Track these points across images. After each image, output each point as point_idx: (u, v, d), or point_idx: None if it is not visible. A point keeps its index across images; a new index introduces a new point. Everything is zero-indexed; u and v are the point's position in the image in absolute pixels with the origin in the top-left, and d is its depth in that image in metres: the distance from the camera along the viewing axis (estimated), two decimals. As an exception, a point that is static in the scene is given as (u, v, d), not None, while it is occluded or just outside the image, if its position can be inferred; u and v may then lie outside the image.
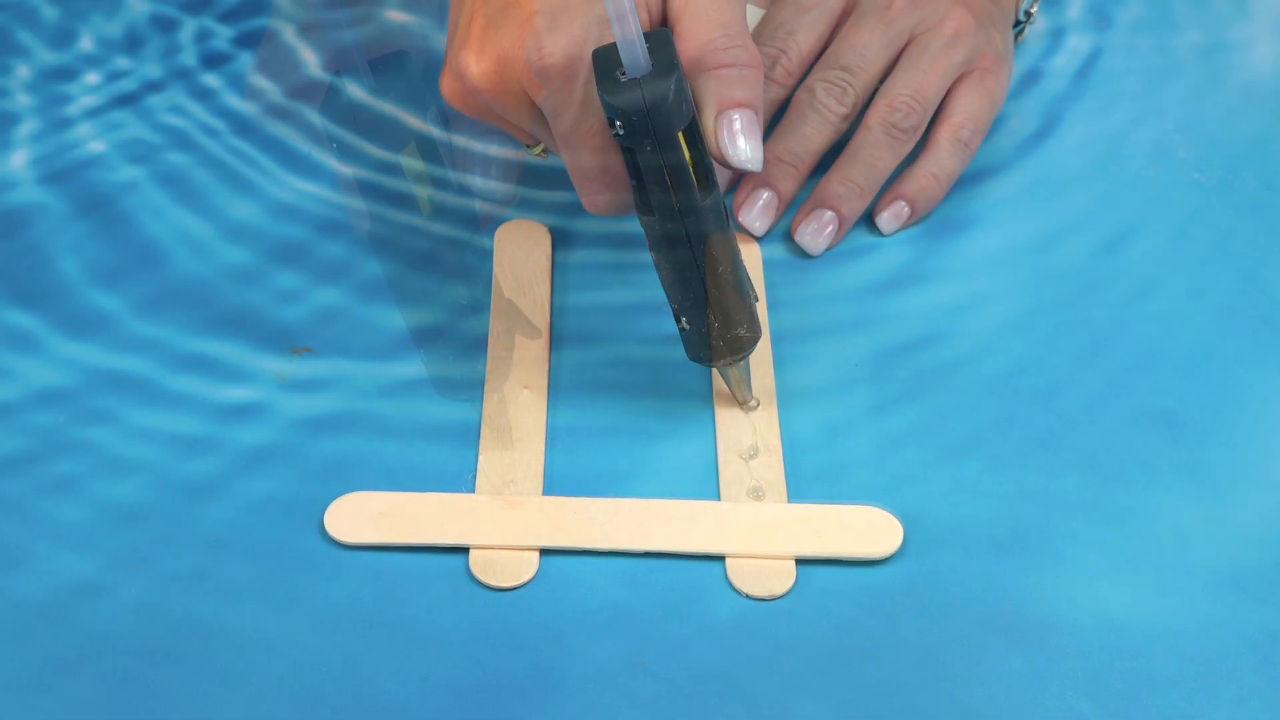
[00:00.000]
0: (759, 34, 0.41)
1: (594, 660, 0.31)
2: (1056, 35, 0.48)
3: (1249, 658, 0.32)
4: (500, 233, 0.41)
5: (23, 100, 0.45)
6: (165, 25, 0.47)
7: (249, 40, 0.47)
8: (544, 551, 0.33)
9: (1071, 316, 0.39)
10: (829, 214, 0.40)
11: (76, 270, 0.40)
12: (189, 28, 0.47)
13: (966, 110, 0.41)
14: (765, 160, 0.38)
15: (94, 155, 0.43)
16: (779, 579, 0.33)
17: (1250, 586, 0.33)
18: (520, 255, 0.40)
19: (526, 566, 0.33)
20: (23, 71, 0.46)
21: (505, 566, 0.33)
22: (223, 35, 0.47)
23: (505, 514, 0.34)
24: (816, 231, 0.40)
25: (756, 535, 0.33)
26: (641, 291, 0.40)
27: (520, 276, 0.39)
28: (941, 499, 0.35)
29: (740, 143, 0.33)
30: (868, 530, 0.34)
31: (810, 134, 0.40)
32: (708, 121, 0.33)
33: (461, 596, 0.32)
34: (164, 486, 0.35)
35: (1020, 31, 0.46)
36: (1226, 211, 0.42)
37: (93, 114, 0.44)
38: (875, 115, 0.40)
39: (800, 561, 0.33)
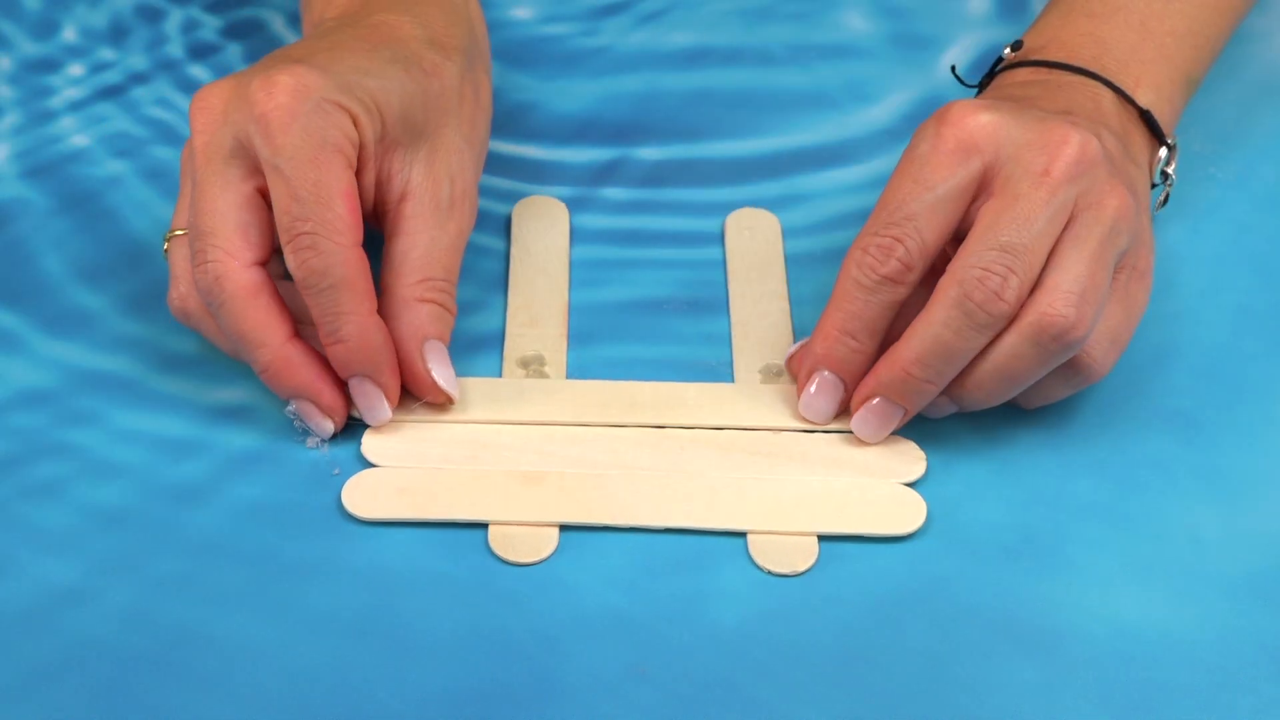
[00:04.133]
0: (874, 213, 0.34)
1: (592, 668, 0.31)
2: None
3: (1268, 667, 0.31)
4: (517, 209, 0.41)
5: (4, 93, 0.45)
6: (151, 15, 0.47)
7: (237, 31, 0.47)
8: (563, 527, 0.33)
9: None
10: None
11: (59, 267, 0.39)
12: (175, 18, 0.47)
13: (1103, 326, 0.33)
14: (898, 375, 0.33)
15: (77, 149, 0.43)
16: (801, 555, 0.33)
17: (1269, 593, 0.33)
18: (537, 231, 0.40)
19: (546, 542, 0.33)
20: (4, 63, 0.45)
21: (525, 542, 0.33)
22: (210, 26, 0.47)
23: (524, 490, 0.34)
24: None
25: (778, 512, 0.33)
26: (651, 289, 0.39)
27: (535, 253, 0.39)
28: (951, 502, 0.34)
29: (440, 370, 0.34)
30: (891, 507, 0.34)
31: (952, 343, 0.32)
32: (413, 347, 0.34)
33: (456, 603, 0.32)
34: (150, 490, 0.34)
35: (1162, 200, 0.39)
36: (1244, 206, 0.42)
37: (76, 107, 0.44)
38: (1031, 318, 0.32)
39: (823, 538, 0.33)
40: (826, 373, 0.34)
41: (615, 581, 0.33)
